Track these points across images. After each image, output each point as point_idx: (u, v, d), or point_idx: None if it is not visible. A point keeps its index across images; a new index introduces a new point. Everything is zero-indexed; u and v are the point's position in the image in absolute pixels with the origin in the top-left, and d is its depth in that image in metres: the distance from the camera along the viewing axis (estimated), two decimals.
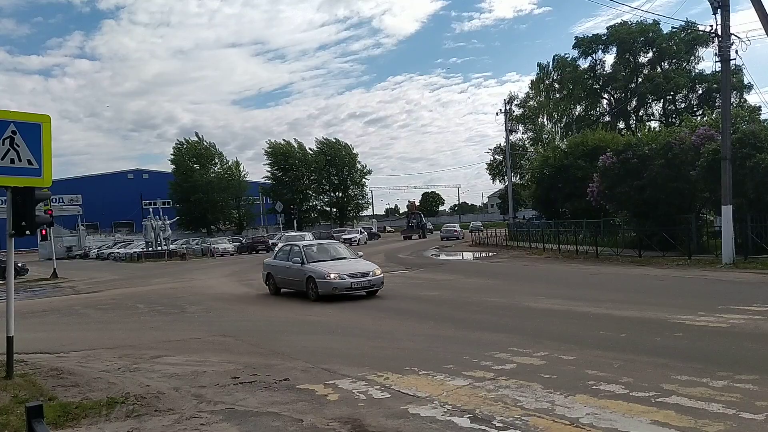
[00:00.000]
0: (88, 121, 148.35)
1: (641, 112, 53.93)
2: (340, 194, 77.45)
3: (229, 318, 13.13)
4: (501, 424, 5.14)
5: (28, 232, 7.58)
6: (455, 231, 53.26)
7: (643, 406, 5.42)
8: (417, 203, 73.41)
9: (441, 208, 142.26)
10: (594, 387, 6.11)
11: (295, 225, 59.85)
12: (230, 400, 6.33)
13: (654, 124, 48.81)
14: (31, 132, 7.44)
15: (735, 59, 18.97)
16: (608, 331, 9.13)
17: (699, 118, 36.11)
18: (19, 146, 7.32)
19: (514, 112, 58.79)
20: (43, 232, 29.89)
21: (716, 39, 18.69)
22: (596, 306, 11.78)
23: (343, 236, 49.22)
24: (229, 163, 73.24)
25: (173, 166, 71.21)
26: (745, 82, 43.57)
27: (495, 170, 68.25)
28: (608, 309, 11.29)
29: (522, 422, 5.17)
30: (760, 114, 32.53)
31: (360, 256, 17.20)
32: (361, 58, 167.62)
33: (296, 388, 6.66)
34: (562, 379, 6.49)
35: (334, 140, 78.65)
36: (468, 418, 5.37)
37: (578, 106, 56.94)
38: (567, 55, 55.22)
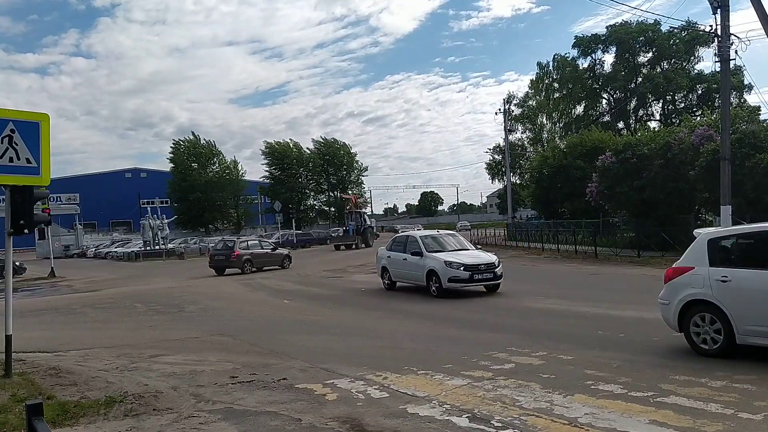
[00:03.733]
0: (84, 119, 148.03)
1: (641, 112, 53.89)
2: (339, 194, 77.36)
3: (227, 317, 13.12)
4: (499, 424, 5.14)
5: (26, 230, 7.57)
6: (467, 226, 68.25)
7: (642, 405, 5.42)
8: (356, 198, 55.40)
9: (440, 207, 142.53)
10: (592, 387, 6.11)
11: (294, 224, 59.81)
12: (228, 399, 6.32)
13: (653, 124, 48.87)
14: (29, 130, 7.42)
15: (735, 59, 18.91)
16: (607, 331, 9.14)
17: (698, 118, 36.07)
18: (17, 145, 7.31)
19: (513, 111, 58.76)
20: (41, 230, 29.94)
21: (716, 39, 18.65)
22: (595, 306, 11.79)
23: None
24: (228, 162, 73.16)
25: (171, 165, 71.06)
26: (745, 82, 43.56)
27: (494, 170, 68.14)
28: (607, 309, 11.30)
29: (520, 422, 5.17)
30: (760, 114, 32.38)
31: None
32: (358, 56, 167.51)
33: (295, 388, 6.65)
34: (560, 378, 6.50)
35: (332, 139, 78.59)
36: (466, 417, 5.36)
37: (578, 106, 56.90)
38: (567, 55, 55.20)
